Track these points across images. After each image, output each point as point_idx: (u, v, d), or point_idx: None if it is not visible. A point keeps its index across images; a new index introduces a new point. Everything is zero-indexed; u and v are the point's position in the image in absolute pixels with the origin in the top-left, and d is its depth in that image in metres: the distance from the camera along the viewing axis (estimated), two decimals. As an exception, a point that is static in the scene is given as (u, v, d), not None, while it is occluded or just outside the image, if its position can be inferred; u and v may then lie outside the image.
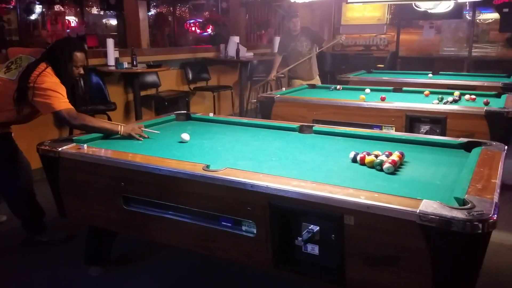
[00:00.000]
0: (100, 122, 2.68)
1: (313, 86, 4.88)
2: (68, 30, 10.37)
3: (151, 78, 5.55)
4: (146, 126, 2.91)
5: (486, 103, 3.54)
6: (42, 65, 2.59)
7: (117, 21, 8.14)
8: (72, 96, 2.67)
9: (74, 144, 2.34)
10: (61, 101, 2.55)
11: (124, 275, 2.62)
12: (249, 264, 2.00)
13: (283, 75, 5.40)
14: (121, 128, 2.58)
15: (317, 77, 5.60)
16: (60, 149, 2.25)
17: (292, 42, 5.40)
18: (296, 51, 5.39)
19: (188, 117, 3.22)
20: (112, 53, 4.95)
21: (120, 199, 2.17)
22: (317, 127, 2.81)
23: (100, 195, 2.26)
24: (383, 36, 9.27)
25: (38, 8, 9.80)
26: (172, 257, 2.81)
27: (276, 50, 7.51)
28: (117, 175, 2.14)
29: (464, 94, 3.92)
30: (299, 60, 5.38)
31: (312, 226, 1.69)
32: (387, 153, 2.09)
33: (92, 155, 2.21)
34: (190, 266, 2.71)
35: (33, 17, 9.75)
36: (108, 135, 2.59)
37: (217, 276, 2.63)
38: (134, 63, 4.93)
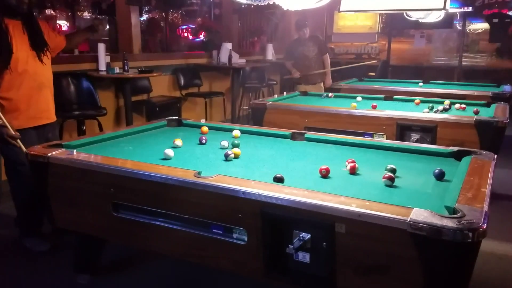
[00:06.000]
0: None
1: (305, 94, 4.90)
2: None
3: (142, 83, 5.53)
4: (137, 132, 2.89)
5: (476, 112, 3.57)
6: None
7: (109, 26, 8.11)
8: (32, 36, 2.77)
9: (64, 149, 2.32)
10: None
11: (114, 283, 2.59)
12: (239, 272, 1.98)
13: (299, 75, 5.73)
14: None
15: (321, 84, 5.80)
16: (49, 154, 2.23)
17: (300, 47, 5.73)
18: (303, 55, 5.71)
19: (179, 123, 3.21)
20: (103, 58, 4.92)
21: (109, 205, 2.14)
22: (309, 134, 2.81)
23: (89, 202, 2.23)
24: (374, 44, 9.35)
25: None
26: (162, 264, 2.78)
27: (268, 57, 7.67)
28: (107, 181, 2.11)
29: (454, 103, 3.96)
30: (305, 63, 5.68)
31: (303, 234, 1.68)
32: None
33: (81, 161, 2.18)
34: (180, 273, 2.69)
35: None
36: None
37: (208, 284, 2.61)
38: (126, 68, 4.90)
